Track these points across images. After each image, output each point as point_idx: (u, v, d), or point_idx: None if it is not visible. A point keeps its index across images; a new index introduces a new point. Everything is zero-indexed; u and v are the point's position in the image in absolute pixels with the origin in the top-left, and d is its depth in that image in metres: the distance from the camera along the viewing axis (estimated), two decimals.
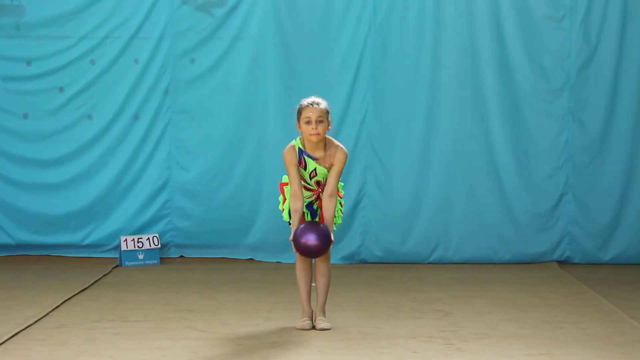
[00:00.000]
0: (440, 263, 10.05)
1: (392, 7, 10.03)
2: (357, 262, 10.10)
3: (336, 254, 9.86)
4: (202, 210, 10.10)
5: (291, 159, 6.59)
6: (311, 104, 6.55)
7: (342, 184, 6.81)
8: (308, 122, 6.51)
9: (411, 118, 10.09)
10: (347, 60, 10.05)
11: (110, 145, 10.09)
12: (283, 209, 6.77)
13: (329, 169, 6.59)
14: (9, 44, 10.00)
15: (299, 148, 6.60)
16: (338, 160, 6.59)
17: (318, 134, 6.51)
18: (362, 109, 10.06)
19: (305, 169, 6.59)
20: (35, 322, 6.85)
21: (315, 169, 6.58)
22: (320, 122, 6.52)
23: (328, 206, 6.56)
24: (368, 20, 10.04)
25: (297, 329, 6.69)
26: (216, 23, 10.08)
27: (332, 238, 6.49)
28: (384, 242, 10.10)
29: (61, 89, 10.04)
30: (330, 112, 6.59)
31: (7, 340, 6.27)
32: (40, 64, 10.02)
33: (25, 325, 6.69)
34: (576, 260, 10.13)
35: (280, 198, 6.79)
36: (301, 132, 6.57)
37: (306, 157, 6.58)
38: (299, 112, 6.57)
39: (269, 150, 10.01)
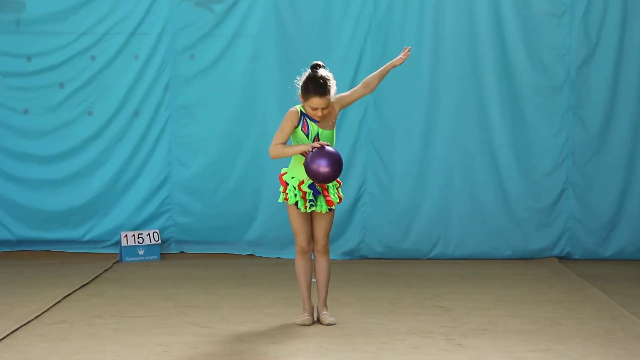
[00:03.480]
0: (440, 259, 10.05)
1: (393, 4, 10.02)
2: (358, 258, 10.10)
3: (336, 250, 9.86)
4: (203, 206, 10.10)
5: (291, 119, 6.57)
6: (320, 93, 6.50)
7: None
8: (314, 109, 6.52)
9: (411, 114, 10.08)
10: (347, 56, 10.03)
11: (110, 141, 10.08)
12: (281, 193, 6.73)
13: (330, 129, 6.60)
14: (9, 39, 9.98)
15: (301, 111, 6.61)
16: (339, 97, 6.67)
17: (321, 118, 6.55)
18: (362, 105, 10.03)
19: (307, 134, 6.58)
20: (36, 317, 6.85)
21: (317, 134, 6.58)
22: (326, 108, 6.54)
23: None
24: (368, 16, 10.03)
25: (298, 324, 6.70)
26: (216, 19, 10.07)
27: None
28: (385, 238, 10.09)
29: (61, 85, 10.03)
30: (335, 84, 6.61)
31: (7, 335, 6.28)
32: (41, 59, 10.01)
33: (26, 321, 6.69)
34: (576, 257, 10.13)
35: (281, 188, 6.76)
36: (302, 102, 6.58)
37: (308, 120, 6.58)
38: (307, 93, 6.50)
39: (269, 147, 9.97)
